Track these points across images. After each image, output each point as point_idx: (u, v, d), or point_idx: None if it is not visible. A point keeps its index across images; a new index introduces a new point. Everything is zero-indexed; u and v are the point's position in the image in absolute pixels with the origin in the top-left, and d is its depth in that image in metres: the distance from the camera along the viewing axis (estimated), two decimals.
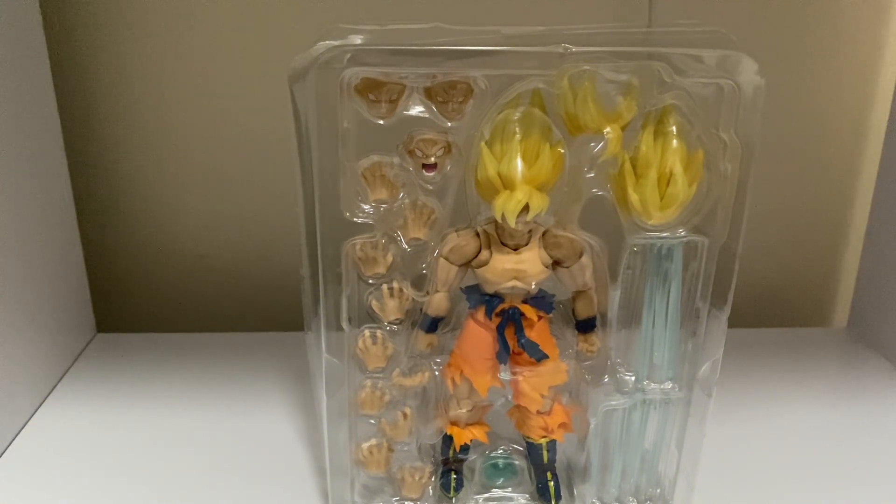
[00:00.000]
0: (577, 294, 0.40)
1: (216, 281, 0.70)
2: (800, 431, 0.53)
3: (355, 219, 0.38)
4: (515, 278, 0.38)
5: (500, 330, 0.39)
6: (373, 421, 0.42)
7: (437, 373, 0.41)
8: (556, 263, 0.38)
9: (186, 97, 0.64)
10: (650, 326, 0.40)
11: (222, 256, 0.69)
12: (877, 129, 0.68)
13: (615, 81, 0.35)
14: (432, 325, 0.40)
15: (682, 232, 0.38)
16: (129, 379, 0.58)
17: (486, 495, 0.44)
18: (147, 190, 0.67)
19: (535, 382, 0.40)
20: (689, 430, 0.42)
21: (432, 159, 0.36)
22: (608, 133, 0.35)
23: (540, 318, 0.39)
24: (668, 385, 0.41)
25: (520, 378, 0.40)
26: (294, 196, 0.39)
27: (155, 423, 0.52)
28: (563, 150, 0.36)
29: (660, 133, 0.36)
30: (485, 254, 0.38)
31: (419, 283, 0.39)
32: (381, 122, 0.36)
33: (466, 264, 0.39)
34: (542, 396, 0.40)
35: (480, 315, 0.39)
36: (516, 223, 0.35)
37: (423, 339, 0.40)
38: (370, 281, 0.39)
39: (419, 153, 0.36)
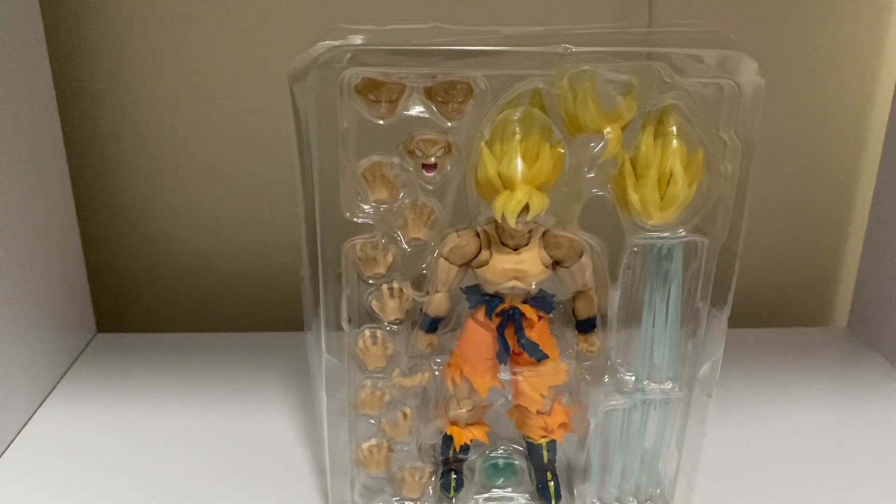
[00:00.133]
0: (577, 294, 0.40)
1: (216, 281, 0.70)
2: (800, 431, 0.53)
3: (355, 219, 0.38)
4: (515, 278, 0.38)
5: (500, 330, 0.39)
6: (373, 421, 0.42)
7: (437, 373, 0.41)
8: (556, 263, 0.38)
9: (187, 97, 0.64)
10: (650, 326, 0.40)
11: (222, 256, 0.69)
12: (877, 129, 0.68)
13: (615, 81, 0.35)
14: (432, 325, 0.40)
15: (682, 232, 0.38)
16: (129, 379, 0.58)
17: (486, 495, 0.44)
18: (147, 190, 0.67)
19: (535, 382, 0.40)
20: (689, 430, 0.42)
21: (432, 159, 0.36)
22: (608, 133, 0.35)
23: (540, 318, 0.39)
24: (668, 385, 0.41)
25: (520, 378, 0.40)
26: (294, 196, 0.39)
27: (155, 423, 0.52)
28: (563, 150, 0.36)
29: (660, 133, 0.36)
30: (485, 254, 0.38)
31: (419, 283, 0.39)
32: (381, 122, 0.36)
33: (466, 264, 0.39)
34: (542, 396, 0.40)
35: (480, 315, 0.39)
36: (516, 223, 0.35)
37: (423, 339, 0.40)
38: (370, 281, 0.39)
39: (419, 153, 0.36)
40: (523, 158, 0.35)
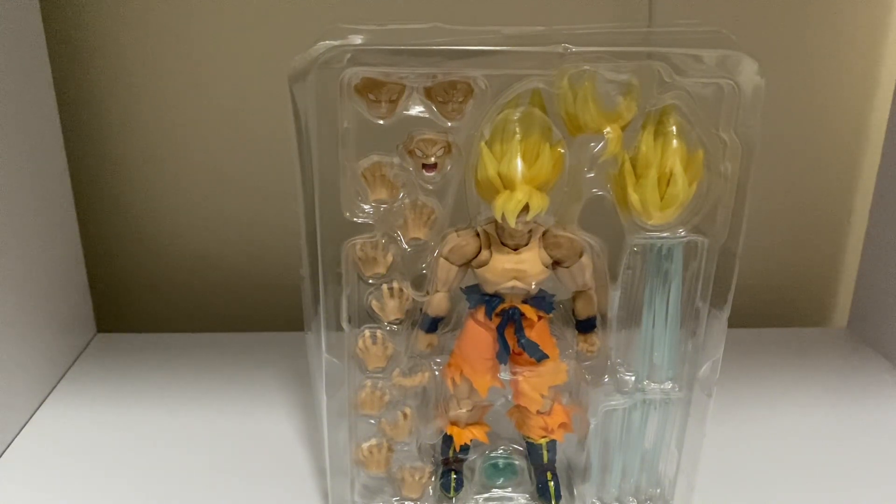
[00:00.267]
0: (577, 294, 0.40)
1: (216, 281, 0.70)
2: (800, 431, 0.53)
3: (355, 219, 0.38)
4: (515, 278, 0.38)
5: (500, 330, 0.39)
6: (373, 421, 0.42)
7: (437, 373, 0.41)
8: (556, 263, 0.38)
9: (187, 97, 0.64)
10: (650, 326, 0.40)
11: (222, 256, 0.69)
12: (877, 129, 0.68)
13: (615, 81, 0.35)
14: (432, 325, 0.40)
15: (682, 232, 0.38)
16: (129, 379, 0.58)
17: (486, 495, 0.44)
18: (147, 190, 0.67)
19: (535, 382, 0.40)
20: (689, 430, 0.42)
21: (432, 159, 0.36)
22: (608, 133, 0.35)
23: (540, 318, 0.39)
24: (668, 385, 0.41)
25: (520, 378, 0.40)
26: (294, 196, 0.39)
27: (155, 423, 0.52)
28: (563, 150, 0.36)
29: (660, 133, 0.36)
30: (485, 254, 0.38)
31: (419, 283, 0.39)
32: (381, 122, 0.36)
33: (466, 264, 0.39)
34: (542, 396, 0.40)
35: (480, 315, 0.39)
36: (516, 223, 0.35)
37: (423, 339, 0.40)
38: (370, 281, 0.39)
39: (419, 153, 0.36)
40: (523, 158, 0.35)
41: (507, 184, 0.35)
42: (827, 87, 0.67)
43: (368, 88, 0.35)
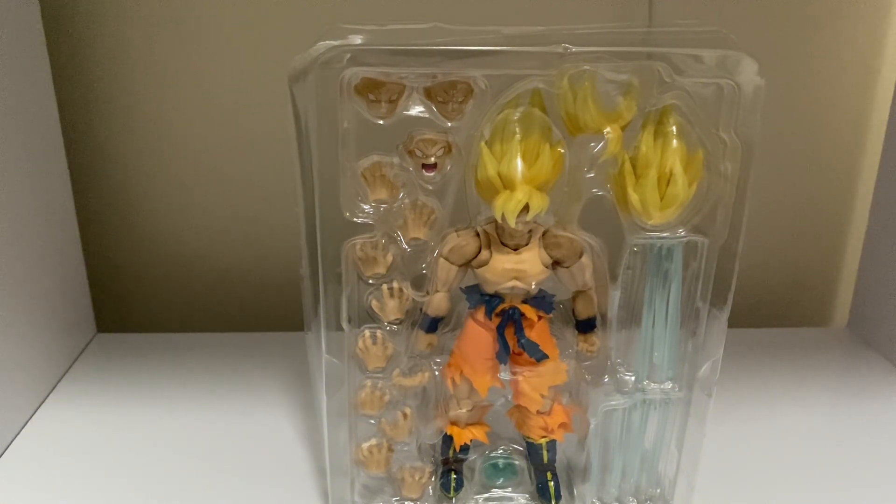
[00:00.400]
0: (577, 294, 0.40)
1: (216, 281, 0.70)
2: (800, 431, 0.53)
3: (355, 219, 0.38)
4: (515, 278, 0.38)
5: (500, 330, 0.39)
6: (373, 421, 0.42)
7: (437, 373, 0.41)
8: (556, 263, 0.38)
9: (186, 97, 0.64)
10: (650, 326, 0.40)
11: (222, 256, 0.69)
12: (877, 129, 0.68)
13: (615, 81, 0.35)
14: (432, 325, 0.40)
15: (682, 232, 0.38)
16: (129, 379, 0.58)
17: (486, 495, 0.44)
18: (147, 190, 0.67)
19: (535, 382, 0.40)
20: (689, 430, 0.42)
21: (432, 159, 0.36)
22: (608, 133, 0.35)
23: (540, 318, 0.39)
24: (668, 385, 0.41)
25: (520, 378, 0.40)
26: (294, 196, 0.39)
27: (155, 424, 0.52)
28: (563, 150, 0.36)
29: (660, 133, 0.36)
30: (485, 254, 0.38)
31: (419, 283, 0.39)
32: (381, 122, 0.36)
33: (466, 264, 0.38)
34: (542, 396, 0.40)
35: (480, 315, 0.39)
36: (516, 223, 0.35)
37: (423, 339, 0.40)
38: (370, 281, 0.39)
39: (419, 153, 0.36)
40: (523, 158, 0.35)
41: (507, 184, 0.35)
42: (827, 87, 0.67)
43: (368, 88, 0.35)
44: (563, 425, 0.42)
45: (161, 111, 0.64)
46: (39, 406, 0.54)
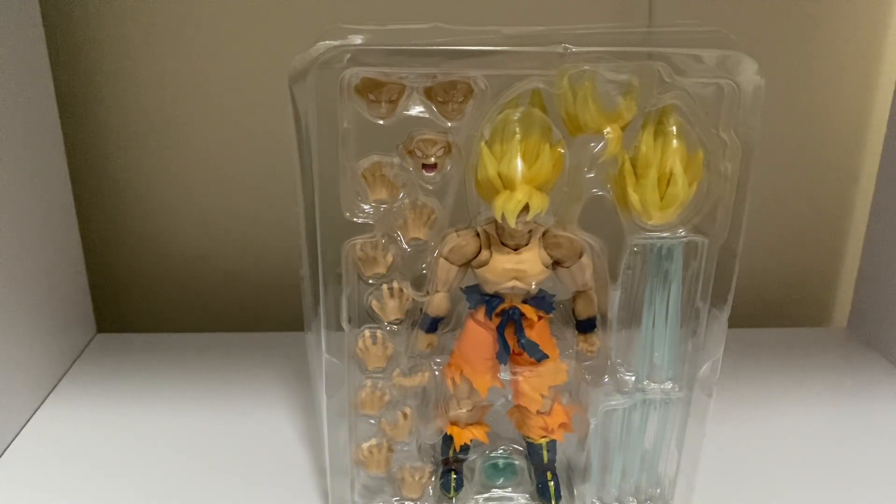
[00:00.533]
0: (578, 294, 0.40)
1: (216, 281, 0.70)
2: (800, 431, 0.53)
3: (355, 219, 0.38)
4: (515, 278, 0.38)
5: (500, 330, 0.39)
6: (373, 421, 0.42)
7: (437, 373, 0.41)
8: (556, 263, 0.38)
9: (187, 97, 0.64)
10: (650, 326, 0.40)
11: (222, 256, 0.69)
12: (877, 129, 0.68)
13: (615, 81, 0.35)
14: (432, 325, 0.40)
15: (682, 232, 0.38)
16: (129, 379, 0.58)
17: (486, 495, 0.44)
18: (147, 190, 0.67)
19: (535, 382, 0.40)
20: (689, 430, 0.42)
21: (432, 159, 0.36)
22: (608, 133, 0.35)
23: (540, 318, 0.39)
24: (668, 385, 0.41)
25: (520, 378, 0.40)
26: (294, 196, 0.39)
27: (155, 423, 0.52)
28: (563, 150, 0.36)
29: (660, 133, 0.36)
30: (485, 254, 0.38)
31: (419, 283, 0.39)
32: (381, 122, 0.36)
33: (466, 264, 0.38)
34: (542, 396, 0.40)
35: (480, 315, 0.39)
36: (516, 223, 0.35)
37: (423, 339, 0.40)
38: (370, 281, 0.39)
39: (419, 153, 0.36)
40: (523, 158, 0.35)
41: (507, 184, 0.35)
42: (827, 87, 0.67)
43: (368, 88, 0.35)
44: (563, 425, 0.42)
45: (161, 111, 0.64)
46: (39, 406, 0.54)
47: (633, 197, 0.37)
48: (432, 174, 0.37)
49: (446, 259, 0.38)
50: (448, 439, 0.43)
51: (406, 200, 0.38)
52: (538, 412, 0.41)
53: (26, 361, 0.53)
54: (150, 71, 0.63)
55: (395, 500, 0.44)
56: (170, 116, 0.65)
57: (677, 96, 0.35)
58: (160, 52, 0.62)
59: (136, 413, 0.54)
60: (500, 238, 0.37)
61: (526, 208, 0.35)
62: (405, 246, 0.38)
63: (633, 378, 0.41)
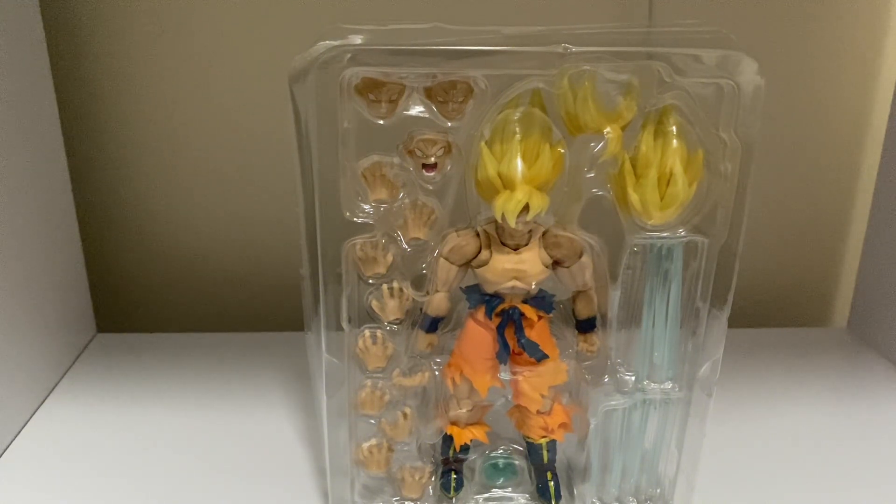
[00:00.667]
0: (577, 294, 0.40)
1: (216, 281, 0.70)
2: (800, 431, 0.53)
3: (355, 219, 0.38)
4: (515, 278, 0.38)
5: (500, 330, 0.39)
6: (373, 421, 0.42)
7: (437, 373, 0.41)
8: (556, 263, 0.38)
9: (187, 97, 0.64)
10: (650, 326, 0.40)
11: (222, 256, 0.69)
12: (877, 129, 0.68)
13: (615, 81, 0.35)
14: (432, 325, 0.40)
15: (682, 232, 0.38)
16: (129, 379, 0.58)
17: (486, 495, 0.44)
18: (147, 190, 0.67)
19: (535, 382, 0.40)
20: (689, 430, 0.42)
21: (432, 159, 0.36)
22: (608, 133, 0.35)
23: (540, 318, 0.39)
24: (668, 385, 0.41)
25: (520, 378, 0.40)
26: (294, 196, 0.39)
27: (155, 423, 0.52)
28: (563, 150, 0.36)
29: (660, 133, 0.36)
30: (485, 254, 0.38)
31: (419, 283, 0.39)
32: (381, 122, 0.36)
33: (466, 264, 0.38)
34: (542, 396, 0.40)
35: (480, 315, 0.39)
36: (516, 223, 0.35)
37: (423, 339, 0.40)
38: (370, 281, 0.39)
39: (419, 153, 0.36)
40: (523, 158, 0.35)
41: (507, 184, 0.35)
42: (827, 87, 0.67)
43: (368, 88, 0.35)
44: (563, 425, 0.42)
45: (161, 111, 0.64)
46: (39, 406, 0.54)
47: (633, 197, 0.37)
48: (432, 174, 0.37)
49: (446, 259, 0.38)
50: (448, 439, 0.43)
51: (406, 200, 0.38)
52: (538, 412, 0.41)
53: (26, 361, 0.53)
54: (150, 71, 0.63)
55: (395, 500, 0.44)
56: (170, 116, 0.65)
57: (677, 96, 0.35)
58: (160, 51, 0.62)
59: (136, 413, 0.54)
60: (500, 238, 0.37)
61: (526, 208, 0.35)
62: (405, 246, 0.38)
63: (633, 378, 0.41)
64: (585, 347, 0.41)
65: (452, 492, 0.43)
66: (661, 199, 0.36)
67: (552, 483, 0.43)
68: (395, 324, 0.40)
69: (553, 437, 0.42)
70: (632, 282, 0.39)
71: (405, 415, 0.41)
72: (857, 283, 0.67)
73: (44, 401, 0.55)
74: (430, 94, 0.36)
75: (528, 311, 0.39)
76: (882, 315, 0.63)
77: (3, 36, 0.49)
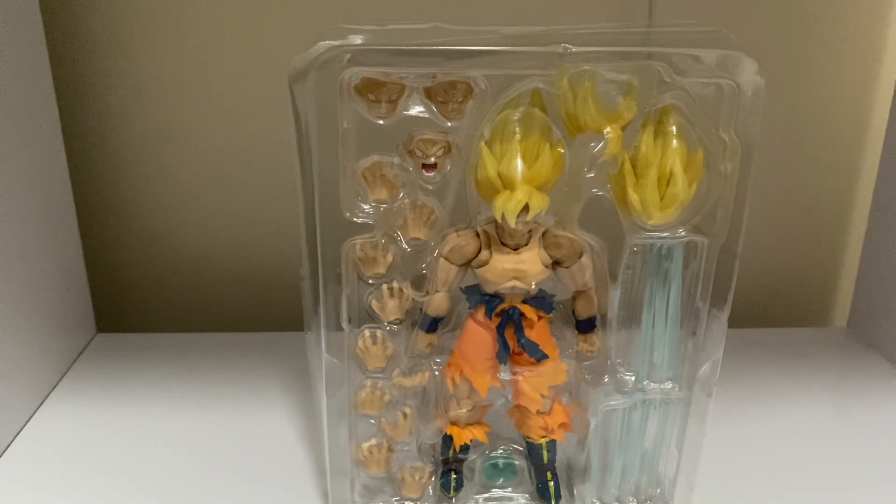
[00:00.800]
0: (577, 294, 0.40)
1: (216, 281, 0.70)
2: (800, 431, 0.53)
3: (355, 219, 0.38)
4: (515, 278, 0.38)
5: (500, 330, 0.39)
6: (373, 421, 0.42)
7: (437, 373, 0.41)
8: (556, 263, 0.38)
9: (187, 97, 0.64)
10: (650, 326, 0.40)
11: (222, 256, 0.69)
12: (877, 129, 0.68)
13: (615, 81, 0.35)
14: (432, 325, 0.40)
15: (682, 232, 0.38)
16: (129, 379, 0.58)
17: (486, 495, 0.44)
18: (147, 190, 0.67)
19: (535, 382, 0.40)
20: (689, 430, 0.42)
21: (432, 159, 0.36)
22: (608, 133, 0.35)
23: (540, 318, 0.39)
24: (668, 385, 0.41)
25: (520, 378, 0.40)
26: (294, 196, 0.39)
27: (155, 424, 0.52)
28: (563, 150, 0.36)
29: (660, 133, 0.36)
30: (485, 254, 0.38)
31: (419, 283, 0.39)
32: (381, 122, 0.36)
33: (466, 264, 0.38)
34: (542, 396, 0.40)
35: (480, 315, 0.39)
36: (516, 223, 0.35)
37: (423, 339, 0.40)
38: (370, 281, 0.39)
39: (419, 153, 0.36)
40: (523, 158, 0.35)
41: (507, 184, 0.35)
42: (827, 87, 0.67)
43: (368, 88, 0.35)
44: (563, 425, 0.42)
45: (161, 111, 0.64)
46: (39, 406, 0.54)
47: (633, 197, 0.37)
48: (432, 174, 0.37)
49: (446, 259, 0.38)
50: (448, 439, 0.43)
51: (406, 200, 0.38)
52: (538, 412, 0.41)
53: (26, 361, 0.53)
54: (150, 70, 0.63)
55: (395, 500, 0.44)
56: (170, 116, 0.65)
57: (677, 96, 0.35)
58: (160, 51, 0.62)
59: (136, 413, 0.54)
60: (500, 238, 0.37)
61: (526, 208, 0.35)
62: (405, 246, 0.38)
63: (633, 378, 0.41)
64: (585, 347, 0.41)
65: (452, 492, 0.43)
66: (661, 199, 0.36)
67: (552, 483, 0.43)
68: (395, 324, 0.40)
69: (553, 437, 0.42)
70: (632, 282, 0.39)
71: (405, 415, 0.41)
72: (857, 283, 0.67)
73: (44, 401, 0.55)
74: (430, 94, 0.36)
75: (528, 311, 0.39)
76: (882, 315, 0.63)
77: (3, 36, 0.49)
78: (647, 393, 0.41)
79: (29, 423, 0.52)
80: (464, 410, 0.41)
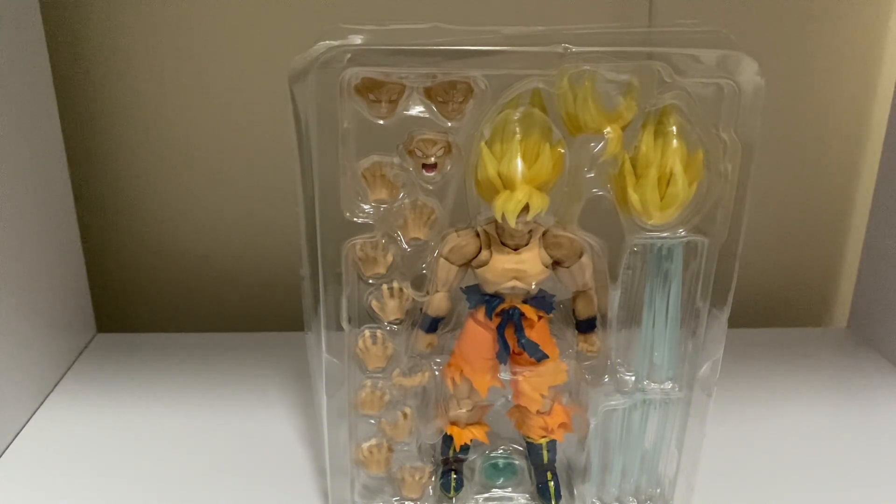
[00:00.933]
0: (578, 294, 0.40)
1: (216, 281, 0.70)
2: (800, 431, 0.53)
3: (355, 219, 0.38)
4: (515, 278, 0.38)
5: (500, 330, 0.39)
6: (373, 421, 0.42)
7: (437, 373, 0.41)
8: (556, 263, 0.38)
9: (187, 97, 0.64)
10: (650, 326, 0.40)
11: (222, 256, 0.69)
12: (877, 129, 0.68)
13: (615, 81, 0.35)
14: (432, 325, 0.40)
15: (682, 232, 0.38)
16: (129, 379, 0.58)
17: (486, 495, 0.44)
18: (147, 190, 0.67)
19: (535, 382, 0.40)
20: (689, 430, 0.42)
21: (432, 159, 0.36)
22: (608, 133, 0.35)
23: (540, 318, 0.39)
24: (668, 385, 0.41)
25: (520, 378, 0.40)
26: (294, 196, 0.39)
27: (155, 424, 0.52)
28: (563, 150, 0.36)
29: (660, 133, 0.36)
30: (485, 254, 0.38)
31: (419, 283, 0.39)
32: (381, 122, 0.36)
33: (466, 264, 0.39)
34: (542, 396, 0.40)
35: (480, 315, 0.39)
36: (516, 223, 0.35)
37: (423, 339, 0.40)
38: (370, 281, 0.39)
39: (419, 153, 0.36)
40: (523, 158, 0.35)
41: (507, 184, 0.35)
42: (827, 87, 0.67)
43: (368, 88, 0.35)
44: (563, 425, 0.42)
45: (161, 111, 0.64)
46: (39, 406, 0.54)
47: (633, 197, 0.37)
48: (432, 174, 0.37)
49: (446, 259, 0.38)
50: (448, 439, 0.43)
51: (406, 200, 0.38)
52: (538, 412, 0.41)
53: (26, 361, 0.53)
54: (151, 70, 0.63)
55: (395, 500, 0.44)
56: (170, 116, 0.65)
57: (677, 96, 0.35)
58: (160, 51, 0.62)
59: (136, 413, 0.54)
60: (500, 238, 0.37)
61: (526, 208, 0.35)
62: (405, 246, 0.38)
63: (633, 378, 0.41)
64: (585, 347, 0.41)
65: (452, 492, 0.43)
66: (661, 199, 0.36)
67: (552, 483, 0.43)
68: (395, 324, 0.40)
69: (553, 437, 0.42)
70: (632, 282, 0.39)
71: (405, 415, 0.41)
72: (857, 283, 0.67)
73: (44, 401, 0.55)
74: (430, 94, 0.36)
75: (528, 311, 0.39)
76: (882, 315, 0.63)
77: (3, 36, 0.49)
78: (647, 393, 0.41)
79: (29, 423, 0.52)
80: (464, 410, 0.41)
